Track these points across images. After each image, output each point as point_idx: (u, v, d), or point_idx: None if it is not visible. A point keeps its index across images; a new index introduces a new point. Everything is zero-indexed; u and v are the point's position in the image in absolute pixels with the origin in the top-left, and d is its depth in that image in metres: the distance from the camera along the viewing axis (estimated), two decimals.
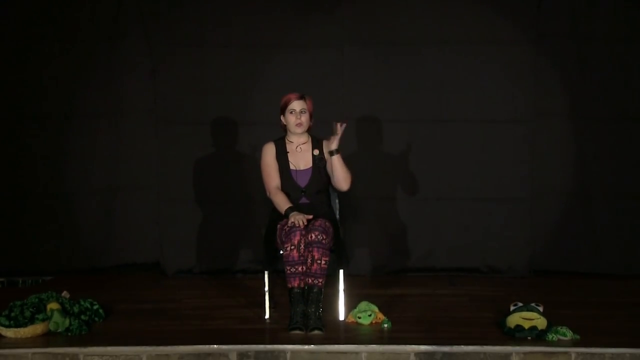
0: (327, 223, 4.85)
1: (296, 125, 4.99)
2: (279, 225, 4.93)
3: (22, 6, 6.36)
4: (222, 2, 6.34)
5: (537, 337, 4.51)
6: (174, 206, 6.41)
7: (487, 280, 6.24)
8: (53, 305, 4.74)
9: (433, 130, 6.34)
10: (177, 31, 6.34)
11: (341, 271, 4.97)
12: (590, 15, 6.25)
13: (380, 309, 4.98)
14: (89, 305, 4.92)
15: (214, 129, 6.37)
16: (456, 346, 4.39)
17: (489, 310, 5.18)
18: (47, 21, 6.36)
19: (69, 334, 4.66)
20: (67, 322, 4.69)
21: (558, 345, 4.43)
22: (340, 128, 4.89)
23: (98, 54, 6.40)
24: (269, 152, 5.07)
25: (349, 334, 4.72)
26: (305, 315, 4.74)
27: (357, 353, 4.39)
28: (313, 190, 5.02)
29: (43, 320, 4.66)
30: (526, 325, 4.55)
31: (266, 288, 5.01)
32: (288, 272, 4.75)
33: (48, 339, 4.60)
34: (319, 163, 5.04)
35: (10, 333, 4.61)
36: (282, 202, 4.94)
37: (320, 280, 4.75)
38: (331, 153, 4.91)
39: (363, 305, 4.97)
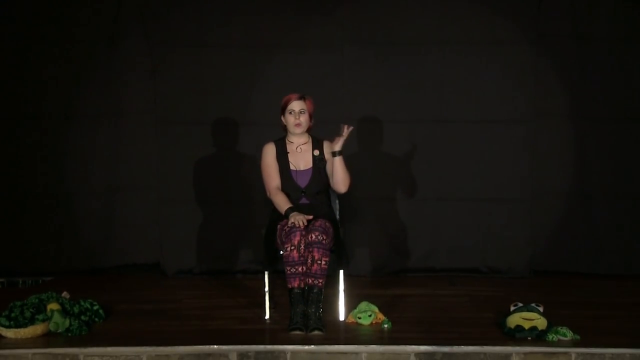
0: (327, 223, 4.85)
1: (295, 125, 4.99)
2: (279, 226, 4.93)
3: (22, 6, 6.36)
4: (222, 2, 6.34)
5: (537, 337, 4.52)
6: (174, 206, 6.41)
7: (487, 280, 6.24)
8: (53, 306, 4.74)
9: (433, 131, 6.33)
10: (177, 31, 6.34)
11: (341, 271, 4.98)
12: (590, 16, 6.26)
13: (381, 310, 4.98)
14: (89, 306, 4.92)
15: (214, 129, 6.37)
16: (456, 346, 4.39)
17: (489, 310, 5.18)
18: (47, 21, 6.36)
19: (69, 334, 4.66)
20: (67, 322, 4.69)
21: (558, 345, 4.43)
22: (346, 130, 4.89)
23: (98, 54, 6.39)
24: (269, 152, 5.07)
25: (349, 334, 4.72)
26: (306, 315, 4.74)
27: (357, 353, 4.40)
28: (313, 191, 5.02)
29: (43, 320, 4.67)
30: (526, 325, 4.56)
31: (266, 288, 5.01)
32: (288, 272, 4.75)
33: (48, 339, 4.60)
34: (319, 163, 5.04)
35: (10, 333, 4.61)
36: (282, 203, 4.94)
37: (321, 280, 4.75)
38: (334, 154, 4.91)
39: (363, 305, 4.97)
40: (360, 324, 4.88)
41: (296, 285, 4.76)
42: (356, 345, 4.44)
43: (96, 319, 4.93)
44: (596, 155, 6.35)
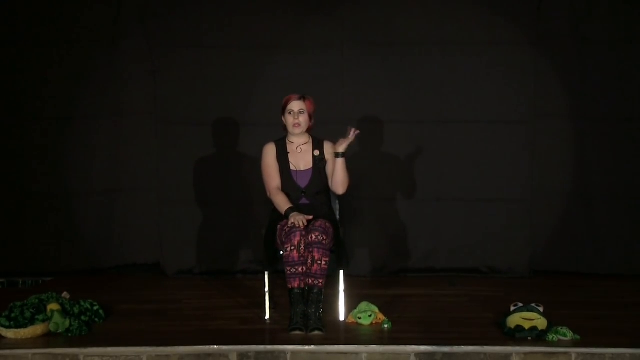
0: (327, 224, 4.85)
1: (293, 125, 4.99)
2: (279, 226, 4.93)
3: (23, 7, 6.36)
4: (222, 3, 6.34)
5: (538, 337, 4.52)
6: (174, 207, 6.41)
7: (487, 280, 6.23)
8: (53, 306, 4.74)
9: (433, 131, 6.33)
10: (177, 32, 6.34)
11: (341, 272, 4.98)
12: (590, 17, 6.26)
13: (381, 310, 4.98)
14: (89, 306, 4.92)
15: (214, 129, 6.37)
16: (456, 346, 4.39)
17: (489, 310, 5.18)
18: (47, 22, 6.36)
19: (69, 334, 4.66)
20: (67, 322, 4.69)
21: (558, 345, 4.43)
22: (353, 133, 4.88)
23: (98, 55, 6.39)
24: (270, 152, 5.07)
25: (349, 334, 4.72)
26: (306, 315, 4.74)
27: (357, 354, 4.40)
28: (313, 191, 5.03)
29: (43, 321, 4.67)
30: (526, 325, 4.55)
31: (266, 289, 5.01)
32: (288, 272, 4.75)
33: (48, 339, 4.60)
34: (320, 164, 5.04)
35: (10, 334, 4.61)
36: (282, 203, 4.94)
37: (321, 280, 4.75)
38: (337, 155, 4.91)
39: (363, 305, 4.97)
40: (361, 324, 4.88)
41: (296, 285, 4.76)
42: (356, 346, 4.44)
43: (96, 319, 4.93)
44: (596, 155, 6.35)
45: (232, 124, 6.37)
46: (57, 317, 4.67)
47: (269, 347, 4.43)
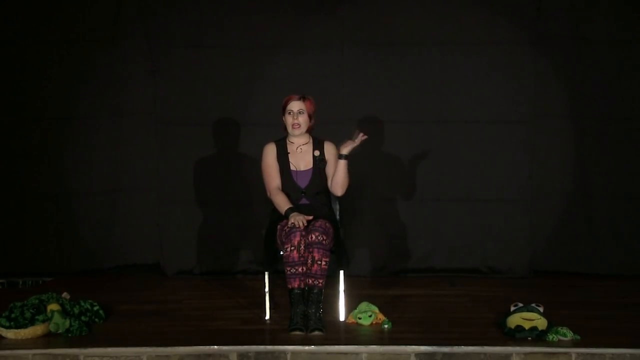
0: (327, 224, 4.85)
1: (293, 126, 4.99)
2: (279, 226, 4.93)
3: (22, 7, 6.36)
4: (222, 3, 6.34)
5: (538, 337, 4.52)
6: (174, 207, 6.40)
7: (487, 280, 6.23)
8: (53, 307, 4.74)
9: (433, 131, 6.33)
10: (177, 32, 6.34)
11: (341, 272, 4.98)
12: (590, 17, 6.26)
13: (381, 310, 4.98)
14: (89, 306, 4.92)
15: (214, 129, 6.37)
16: (456, 347, 4.39)
17: (489, 310, 5.18)
18: (47, 22, 6.36)
19: (69, 335, 4.66)
20: (67, 323, 4.69)
21: (558, 345, 4.43)
22: (360, 137, 4.87)
23: (98, 55, 6.39)
24: (270, 152, 5.07)
25: (350, 334, 4.72)
26: (306, 316, 4.74)
27: (357, 354, 4.40)
28: (313, 191, 5.02)
29: (43, 321, 4.67)
30: (526, 325, 4.56)
31: (266, 289, 5.01)
32: (288, 272, 4.75)
33: (48, 340, 4.60)
34: (320, 164, 5.04)
35: (10, 334, 4.61)
36: (282, 203, 4.94)
37: (321, 281, 4.75)
38: (340, 156, 4.90)
39: (363, 305, 4.97)
40: (361, 324, 4.88)
41: (296, 285, 4.76)
42: (356, 346, 4.44)
43: (96, 320, 4.93)
44: (596, 155, 6.35)
45: (232, 124, 6.37)
46: (57, 318, 4.67)
47: (269, 348, 4.43)
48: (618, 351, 4.33)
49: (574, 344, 4.45)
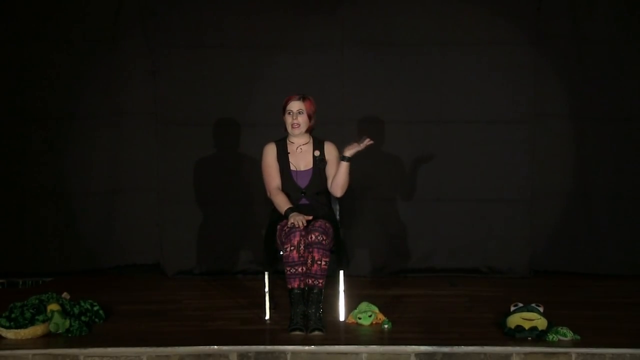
0: (327, 224, 4.85)
1: (292, 126, 4.99)
2: (278, 226, 4.93)
3: (23, 7, 6.36)
4: (222, 3, 6.34)
5: (538, 337, 4.52)
6: (174, 207, 6.40)
7: (487, 280, 6.23)
8: (53, 307, 4.74)
9: (433, 131, 6.33)
10: (177, 32, 6.34)
11: (341, 272, 4.98)
12: (590, 17, 6.25)
13: (381, 310, 4.98)
14: (89, 306, 4.92)
15: (214, 129, 6.37)
16: (456, 347, 4.39)
17: (489, 310, 5.18)
18: (47, 22, 6.36)
19: (69, 335, 4.66)
20: (67, 323, 4.69)
21: (558, 345, 4.43)
22: (366, 142, 4.85)
23: (98, 56, 6.39)
24: (270, 152, 5.07)
25: (349, 334, 4.72)
26: (306, 316, 4.74)
27: (357, 354, 4.40)
28: (313, 191, 5.02)
29: (43, 321, 4.67)
30: (526, 325, 4.56)
31: (266, 289, 5.01)
32: (288, 272, 4.75)
33: (48, 340, 4.60)
34: (320, 164, 5.04)
35: (10, 334, 4.61)
36: (282, 203, 4.94)
37: (321, 281, 4.75)
38: (343, 158, 4.90)
39: (363, 306, 4.97)
40: (361, 325, 4.88)
41: (296, 285, 4.76)
42: (356, 346, 4.44)
43: (96, 320, 4.93)
44: (596, 155, 6.35)
45: (232, 124, 6.37)
46: (57, 318, 4.67)
47: (269, 348, 4.43)
48: (618, 351, 4.33)
49: (574, 344, 4.45)
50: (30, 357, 4.38)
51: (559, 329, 4.55)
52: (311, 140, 5.10)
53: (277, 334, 4.69)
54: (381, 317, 4.91)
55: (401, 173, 6.38)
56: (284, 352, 4.41)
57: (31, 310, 4.68)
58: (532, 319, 4.59)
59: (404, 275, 6.36)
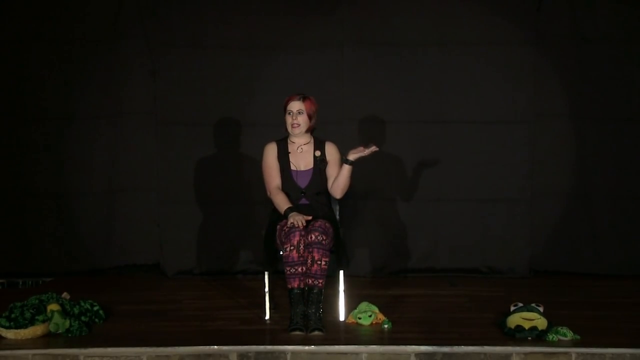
0: (327, 224, 4.85)
1: (292, 126, 4.99)
2: (278, 226, 4.93)
3: (23, 7, 6.36)
4: (222, 3, 6.34)
5: (538, 337, 4.52)
6: (174, 207, 6.40)
7: (487, 280, 6.23)
8: (53, 307, 4.74)
9: (433, 131, 6.33)
10: (177, 32, 6.34)
11: (341, 272, 4.98)
12: (590, 16, 6.26)
13: (381, 310, 4.98)
14: (89, 307, 4.92)
15: (214, 129, 6.37)
16: (456, 347, 4.39)
17: (489, 310, 5.18)
18: (47, 22, 6.36)
19: (69, 335, 4.66)
20: (67, 323, 4.69)
21: (558, 345, 4.43)
22: (371, 149, 4.84)
23: (98, 55, 6.39)
24: (271, 152, 5.07)
25: (349, 334, 4.72)
26: (306, 316, 4.74)
27: (357, 354, 4.40)
28: (313, 191, 5.02)
29: (43, 321, 4.66)
30: (526, 325, 4.55)
31: (266, 289, 5.01)
32: (288, 272, 4.75)
33: (48, 340, 4.60)
34: (320, 164, 5.04)
35: (10, 334, 4.61)
36: (282, 202, 4.94)
37: (321, 281, 4.75)
38: (346, 161, 4.89)
39: (363, 306, 4.97)
40: (361, 325, 4.88)
41: (296, 285, 4.76)
42: (356, 346, 4.44)
43: (96, 320, 4.93)
44: (596, 155, 6.35)
45: (232, 124, 6.37)
46: (57, 318, 4.67)
47: (269, 348, 4.42)
48: (618, 351, 4.33)
49: (574, 344, 4.45)
50: (30, 357, 4.38)
51: (559, 329, 4.55)
52: (312, 140, 5.09)
53: (277, 334, 4.68)
54: (381, 317, 4.91)
55: (401, 173, 6.38)
56: (284, 352, 4.41)
57: (31, 311, 4.68)
58: (532, 319, 4.59)
59: (404, 275, 6.36)
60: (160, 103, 6.37)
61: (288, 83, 6.01)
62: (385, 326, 4.82)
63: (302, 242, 4.72)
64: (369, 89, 6.31)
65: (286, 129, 5.07)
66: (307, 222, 4.80)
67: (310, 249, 4.72)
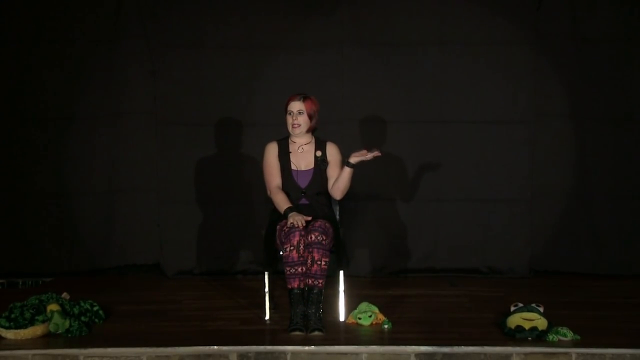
0: (327, 224, 4.85)
1: (292, 126, 4.99)
2: (278, 226, 4.93)
3: (22, 7, 6.36)
4: (222, 3, 6.34)
5: (538, 337, 4.52)
6: (174, 207, 6.40)
7: (487, 280, 6.23)
8: (53, 307, 4.74)
9: (433, 131, 6.33)
10: (177, 32, 6.34)
11: (341, 272, 4.98)
12: (590, 16, 6.26)
13: (381, 310, 4.98)
14: (89, 307, 4.92)
15: (214, 129, 6.37)
16: (456, 347, 4.39)
17: (489, 310, 5.18)
18: (47, 22, 6.36)
19: (69, 335, 4.66)
20: (67, 323, 4.69)
21: (558, 345, 4.43)
22: (374, 153, 4.83)
23: (98, 56, 6.39)
24: (271, 151, 5.07)
25: (350, 334, 4.72)
26: (306, 316, 4.74)
27: (357, 354, 4.40)
28: (313, 191, 5.02)
29: (43, 321, 4.67)
30: (527, 325, 4.55)
31: (266, 289, 5.01)
32: (288, 273, 4.75)
33: (48, 340, 4.60)
34: (321, 164, 5.04)
35: (10, 334, 4.61)
36: (282, 202, 4.94)
37: (321, 281, 4.75)
38: (347, 163, 4.89)
39: (363, 306, 4.97)
40: (361, 325, 4.88)
41: (296, 285, 4.76)
42: (356, 346, 4.44)
43: (96, 320, 4.93)
44: (596, 155, 6.35)
45: (232, 124, 6.36)
46: (57, 318, 4.67)
47: (269, 348, 4.43)
48: (618, 351, 4.33)
49: (574, 344, 4.45)
50: (30, 357, 4.38)
51: (559, 329, 4.55)
52: (313, 140, 5.09)
53: (277, 334, 4.69)
54: (381, 317, 4.91)
55: (401, 173, 6.37)
56: (284, 352, 4.41)
57: (31, 311, 4.68)
58: (532, 319, 4.59)
59: (404, 275, 6.36)
60: (160, 103, 6.37)
61: (288, 83, 6.01)
62: (386, 326, 4.82)
63: (302, 242, 4.72)
64: (369, 88, 6.31)
65: (287, 129, 5.07)
66: (307, 222, 4.80)
67: (310, 249, 4.72)
